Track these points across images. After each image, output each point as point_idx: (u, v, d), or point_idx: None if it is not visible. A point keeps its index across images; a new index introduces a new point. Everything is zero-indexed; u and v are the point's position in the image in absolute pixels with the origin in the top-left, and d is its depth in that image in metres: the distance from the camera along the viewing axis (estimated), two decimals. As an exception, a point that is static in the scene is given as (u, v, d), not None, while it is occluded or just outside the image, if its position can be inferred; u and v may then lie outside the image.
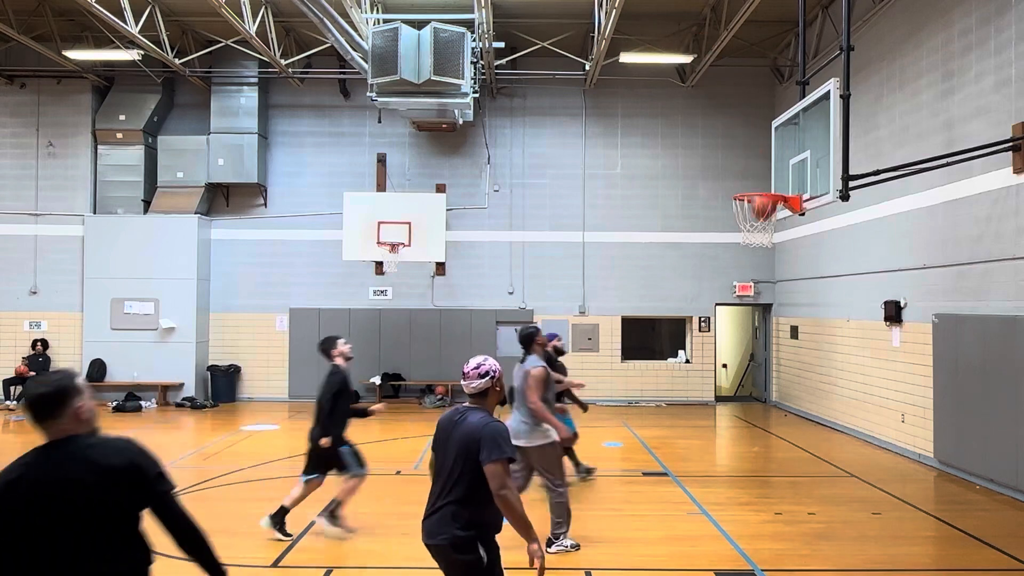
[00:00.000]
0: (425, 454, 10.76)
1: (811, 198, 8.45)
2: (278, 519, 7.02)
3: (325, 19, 10.86)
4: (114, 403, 15.38)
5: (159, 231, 15.96)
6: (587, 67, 15.23)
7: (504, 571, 4.01)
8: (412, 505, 7.32)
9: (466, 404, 4.05)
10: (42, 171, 16.33)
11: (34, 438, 2.83)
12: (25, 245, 16.27)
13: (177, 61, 14.79)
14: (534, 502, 7.07)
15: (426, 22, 12.13)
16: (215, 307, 16.69)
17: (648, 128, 16.80)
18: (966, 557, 6.78)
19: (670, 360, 17.04)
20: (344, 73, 16.26)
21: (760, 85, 16.64)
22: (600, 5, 12.72)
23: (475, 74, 13.32)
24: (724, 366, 18.78)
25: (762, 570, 6.31)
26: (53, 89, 16.30)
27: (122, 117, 16.23)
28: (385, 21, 12.84)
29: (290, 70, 15.57)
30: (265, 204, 16.85)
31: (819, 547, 6.96)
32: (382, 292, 16.67)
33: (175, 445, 11.76)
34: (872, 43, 12.12)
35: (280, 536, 6.99)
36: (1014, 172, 8.72)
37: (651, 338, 18.26)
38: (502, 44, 14.59)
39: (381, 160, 16.64)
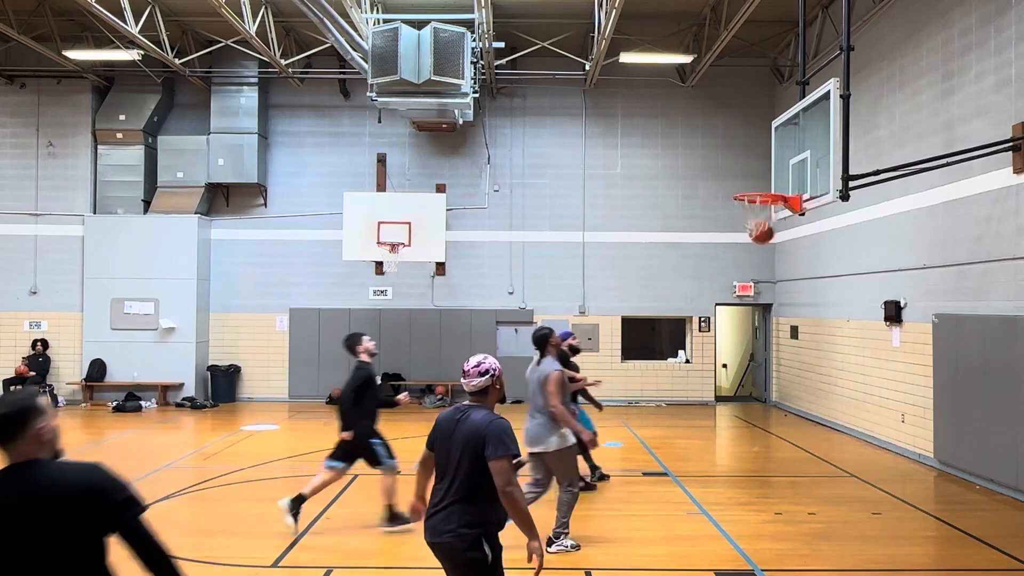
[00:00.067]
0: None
1: (811, 198, 8.46)
2: (296, 505, 7.14)
3: (325, 19, 10.86)
4: (114, 403, 15.39)
5: (159, 231, 15.96)
6: (587, 67, 15.23)
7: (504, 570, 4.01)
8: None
9: (466, 402, 4.06)
10: (42, 171, 16.33)
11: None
12: (25, 245, 16.27)
13: (177, 61, 14.79)
14: (548, 502, 7.02)
15: (426, 22, 12.13)
16: (215, 307, 16.69)
17: (648, 128, 16.81)
18: (966, 557, 6.78)
19: (670, 360, 17.05)
20: (344, 73, 16.26)
21: (760, 85, 16.64)
22: (600, 5, 12.72)
23: (475, 74, 13.32)
24: (724, 366, 18.78)
25: (762, 570, 6.31)
26: (53, 89, 16.30)
27: (122, 117, 16.23)
28: (385, 21, 12.84)
29: (290, 70, 15.57)
30: (265, 204, 16.85)
31: (819, 547, 6.96)
32: (382, 292, 16.67)
33: (175, 445, 11.77)
34: (872, 43, 12.12)
35: (290, 521, 7.07)
36: (1014, 172, 8.72)
37: (651, 338, 18.26)
38: (502, 44, 14.59)
39: (381, 160, 16.64)
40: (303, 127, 16.94)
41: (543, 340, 7.00)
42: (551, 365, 6.86)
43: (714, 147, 16.74)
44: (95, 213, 16.29)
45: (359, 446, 7.33)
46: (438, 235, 14.52)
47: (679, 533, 7.39)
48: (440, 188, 16.20)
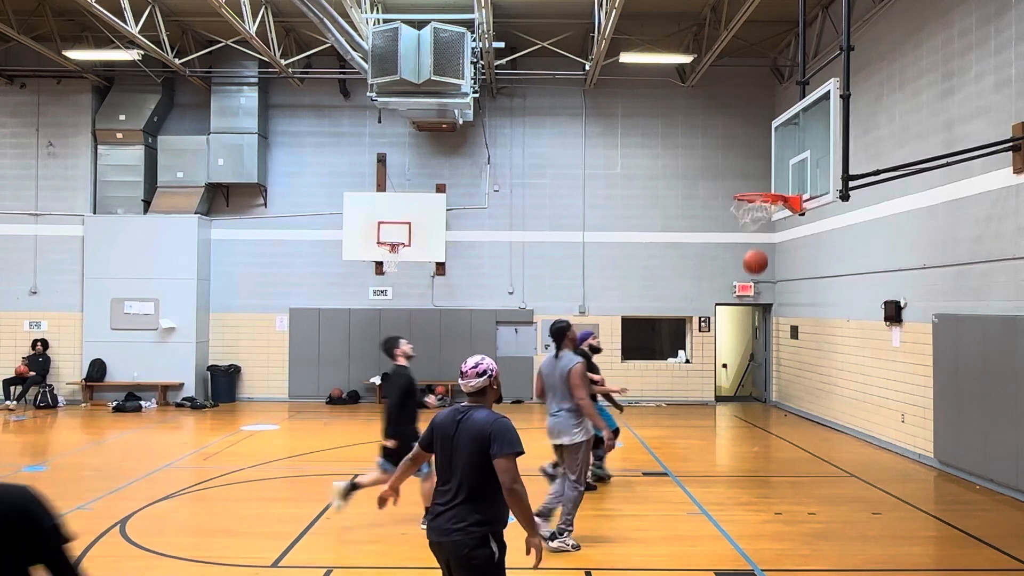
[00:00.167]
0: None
1: (811, 198, 8.46)
2: (347, 492, 7.25)
3: (325, 19, 10.86)
4: (114, 403, 15.38)
5: (159, 231, 15.96)
6: (587, 67, 15.23)
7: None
8: (412, 505, 7.33)
9: (465, 403, 4.08)
10: (42, 171, 16.33)
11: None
12: (25, 245, 16.27)
13: (177, 61, 14.79)
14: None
15: (426, 22, 12.13)
16: (215, 307, 16.69)
17: (648, 128, 16.81)
18: (966, 557, 6.78)
19: (670, 360, 17.05)
20: (344, 73, 16.26)
21: (760, 85, 16.64)
22: (600, 5, 12.72)
23: (475, 74, 13.33)
24: (724, 366, 18.78)
25: (762, 570, 6.31)
26: (53, 89, 16.30)
27: (122, 117, 16.24)
28: (385, 21, 12.84)
29: (290, 70, 15.57)
30: (265, 204, 16.85)
31: (819, 547, 6.96)
32: (382, 292, 16.67)
33: (175, 445, 11.77)
34: (872, 43, 12.12)
35: (338, 504, 7.21)
36: (1014, 172, 8.72)
37: (651, 338, 18.27)
38: (502, 44, 14.59)
39: (381, 160, 16.64)
40: (303, 127, 16.94)
41: (560, 333, 6.97)
42: (572, 358, 6.84)
43: (714, 147, 16.74)
44: (95, 213, 16.29)
45: (404, 451, 7.31)
46: (438, 235, 14.52)
47: (679, 533, 7.39)
48: (440, 188, 16.20)
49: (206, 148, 16.26)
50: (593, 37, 13.98)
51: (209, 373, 16.32)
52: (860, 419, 12.56)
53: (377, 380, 16.19)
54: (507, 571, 3.97)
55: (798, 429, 13.53)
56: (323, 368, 16.55)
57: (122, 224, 16.04)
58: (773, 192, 9.35)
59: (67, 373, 16.14)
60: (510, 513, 3.95)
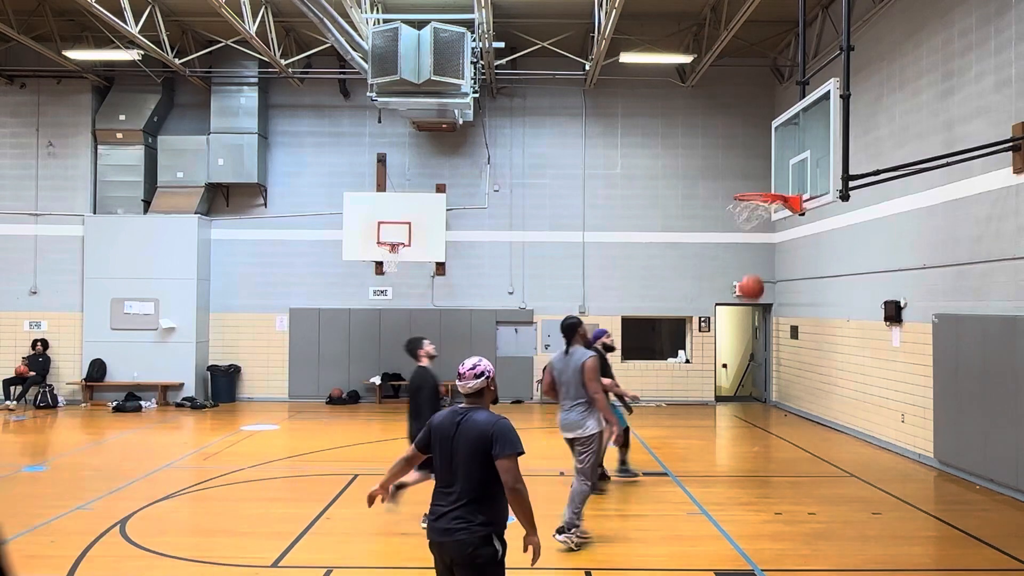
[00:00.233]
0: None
1: (811, 198, 8.46)
2: (394, 494, 7.21)
3: (325, 19, 10.86)
4: (114, 403, 15.38)
5: (159, 231, 15.97)
6: (587, 67, 15.23)
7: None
8: (412, 505, 7.34)
9: (463, 404, 4.10)
10: (42, 171, 16.33)
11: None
12: (25, 245, 16.27)
13: (177, 61, 14.79)
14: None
15: (426, 22, 12.13)
16: (215, 307, 16.69)
17: (648, 128, 16.81)
18: (966, 557, 6.78)
19: (670, 360, 17.05)
20: (344, 73, 16.27)
21: (760, 85, 16.64)
22: (600, 5, 12.72)
23: (475, 74, 13.33)
24: (724, 366, 18.78)
25: (762, 570, 6.31)
26: (53, 89, 16.30)
27: (122, 117, 16.24)
28: (385, 21, 12.84)
29: (290, 70, 15.57)
30: (265, 204, 16.86)
31: (819, 547, 6.96)
32: (382, 292, 16.67)
33: (175, 445, 11.76)
34: (872, 43, 12.12)
35: (390, 505, 7.14)
36: (1014, 172, 8.72)
37: (651, 338, 18.27)
38: (502, 44, 14.59)
39: (381, 160, 16.64)
40: (303, 127, 16.94)
41: (572, 329, 7.02)
42: (585, 352, 6.93)
43: (714, 147, 16.74)
44: (95, 213, 16.29)
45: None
46: (438, 235, 14.52)
47: (679, 533, 7.39)
48: (440, 188, 16.21)
49: (206, 148, 16.26)
50: (593, 37, 13.98)
51: (209, 373, 16.32)
52: (860, 419, 12.56)
53: (377, 380, 16.21)
54: (507, 571, 3.99)
55: (798, 429, 13.53)
56: (323, 368, 16.56)
57: (122, 224, 16.04)
58: (773, 192, 9.35)
59: (67, 373, 16.14)
60: (510, 513, 3.98)
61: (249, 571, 6.24)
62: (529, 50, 15.37)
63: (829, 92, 7.96)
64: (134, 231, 15.98)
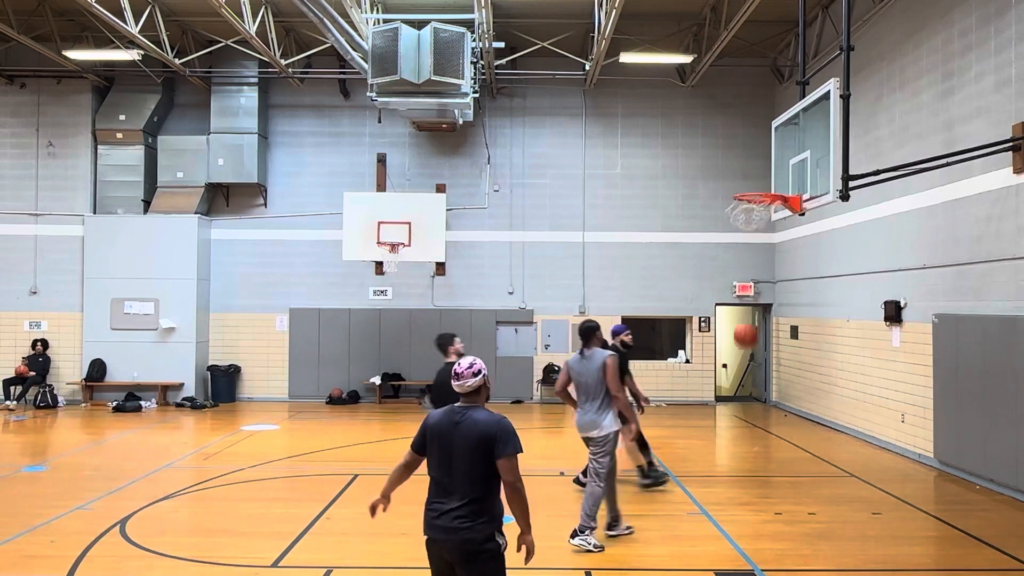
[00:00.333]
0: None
1: (811, 198, 8.46)
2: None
3: (325, 19, 10.86)
4: (114, 403, 15.38)
5: (159, 231, 15.97)
6: (587, 67, 15.23)
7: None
8: (412, 505, 7.31)
9: (459, 404, 4.11)
10: (42, 171, 16.33)
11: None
12: (25, 245, 16.27)
13: (177, 61, 14.79)
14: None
15: (426, 22, 12.13)
16: (215, 307, 16.69)
17: (648, 128, 16.81)
18: (966, 557, 6.78)
19: (670, 360, 17.05)
20: (344, 73, 16.27)
21: (760, 85, 16.64)
22: (600, 5, 12.72)
23: (475, 74, 13.32)
24: (724, 366, 18.78)
25: (762, 570, 6.31)
26: (53, 89, 16.30)
27: (122, 117, 16.24)
28: (385, 21, 12.84)
29: (290, 70, 15.57)
30: (265, 204, 16.86)
31: (819, 547, 6.96)
32: (382, 292, 16.67)
33: (175, 445, 11.76)
34: (872, 43, 12.12)
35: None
36: (1014, 172, 8.72)
37: (651, 338, 18.25)
38: (502, 44, 14.59)
39: (381, 160, 16.64)
40: (303, 127, 16.94)
41: (589, 332, 7.13)
42: (604, 352, 7.03)
43: (714, 147, 16.74)
44: (95, 213, 16.29)
45: None
46: (438, 235, 14.52)
47: (679, 533, 7.39)
48: (440, 188, 16.20)
49: (206, 148, 16.26)
50: (593, 37, 13.98)
51: (209, 373, 16.32)
52: (860, 419, 12.56)
53: (377, 380, 16.22)
54: (507, 572, 4.02)
55: (798, 429, 13.53)
56: (323, 368, 16.56)
57: (122, 224, 16.04)
58: (773, 192, 9.35)
59: (67, 373, 16.15)
60: (507, 512, 4.02)
61: (249, 571, 6.24)
62: (529, 50, 15.37)
63: (829, 92, 7.97)
64: (134, 231, 15.98)
